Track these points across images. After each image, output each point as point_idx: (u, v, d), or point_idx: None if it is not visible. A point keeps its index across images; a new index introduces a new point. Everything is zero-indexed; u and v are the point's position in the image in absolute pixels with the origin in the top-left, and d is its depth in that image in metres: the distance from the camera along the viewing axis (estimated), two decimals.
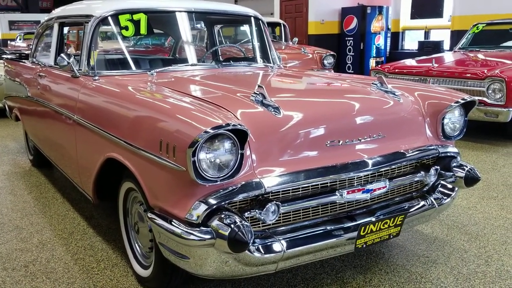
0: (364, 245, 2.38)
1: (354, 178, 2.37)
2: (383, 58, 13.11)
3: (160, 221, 2.14)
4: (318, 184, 2.27)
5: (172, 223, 2.07)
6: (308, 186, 2.25)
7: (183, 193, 2.07)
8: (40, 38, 4.76)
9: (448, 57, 7.17)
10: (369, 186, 2.41)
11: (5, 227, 3.53)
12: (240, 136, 2.02)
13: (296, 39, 10.12)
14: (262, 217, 2.11)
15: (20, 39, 19.85)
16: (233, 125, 1.96)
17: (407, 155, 2.54)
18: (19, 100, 4.90)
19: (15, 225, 3.56)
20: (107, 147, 2.68)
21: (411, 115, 2.72)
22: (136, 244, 2.79)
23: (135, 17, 3.35)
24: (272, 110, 2.27)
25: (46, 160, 4.85)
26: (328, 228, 2.32)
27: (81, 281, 2.76)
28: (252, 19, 3.97)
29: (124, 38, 3.52)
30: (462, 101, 2.75)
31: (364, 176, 2.39)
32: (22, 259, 3.03)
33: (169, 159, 2.07)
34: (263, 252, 2.10)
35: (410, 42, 13.66)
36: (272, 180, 2.13)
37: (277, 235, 2.20)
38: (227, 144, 2.03)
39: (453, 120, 2.80)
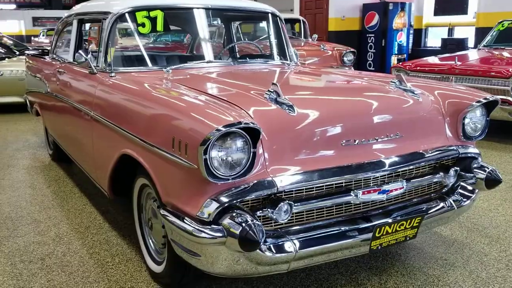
0: (379, 247, 2.34)
1: (370, 179, 2.33)
2: (405, 55, 12.92)
3: (172, 218, 2.14)
4: (332, 184, 2.23)
5: (184, 220, 2.07)
6: (322, 186, 2.21)
7: (195, 190, 2.06)
8: (60, 34, 4.81)
9: (472, 55, 7.01)
10: (385, 187, 2.36)
11: (24, 220, 3.59)
12: (252, 135, 2.00)
13: (315, 35, 10.03)
14: (274, 216, 2.09)
15: (43, 35, 20.21)
16: (245, 123, 1.94)
17: (426, 156, 2.48)
18: (39, 96, 4.96)
19: (33, 218, 3.61)
20: (122, 143, 2.69)
21: (431, 115, 2.66)
22: (150, 240, 2.79)
23: (152, 14, 3.36)
24: (286, 108, 2.24)
25: (65, 155, 4.92)
26: (342, 228, 2.28)
27: (95, 275, 2.78)
28: (270, 15, 3.93)
29: (142, 35, 3.52)
30: (484, 101, 2.67)
31: (380, 176, 2.35)
32: (39, 252, 3.07)
33: (181, 157, 2.06)
34: (274, 252, 2.08)
35: (433, 39, 13.43)
36: (285, 179, 2.11)
37: (289, 235, 2.17)
38: (239, 143, 2.00)
39: (474, 120, 2.72)
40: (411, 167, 2.45)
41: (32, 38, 21.09)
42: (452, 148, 2.62)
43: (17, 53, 8.99)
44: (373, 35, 12.75)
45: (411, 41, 13.19)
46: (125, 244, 3.16)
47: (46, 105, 4.68)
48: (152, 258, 2.74)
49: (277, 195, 2.11)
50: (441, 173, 2.60)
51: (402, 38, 12.75)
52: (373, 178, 2.34)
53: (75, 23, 4.13)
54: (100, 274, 2.79)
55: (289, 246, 2.12)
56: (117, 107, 2.81)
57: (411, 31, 13.07)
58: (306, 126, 2.23)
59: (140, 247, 2.89)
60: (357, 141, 2.32)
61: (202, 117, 2.02)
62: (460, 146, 2.67)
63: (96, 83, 3.19)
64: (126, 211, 3.71)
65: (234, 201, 2.01)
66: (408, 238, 2.44)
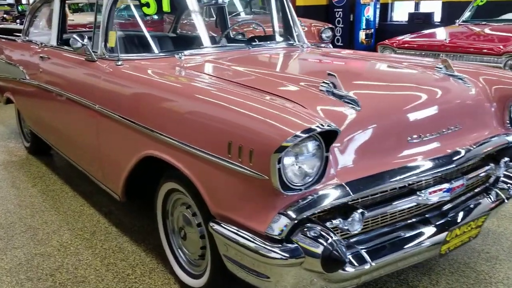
0: (448, 251, 2.17)
1: (437, 177, 2.14)
2: (372, 30, 12.84)
3: (229, 234, 1.86)
4: (403, 186, 2.02)
5: (248, 237, 1.80)
6: (393, 188, 2.00)
7: (261, 203, 1.79)
8: (34, 13, 4.30)
9: (457, 32, 6.93)
10: (449, 185, 2.17)
11: (17, 227, 3.19)
12: (326, 137, 1.74)
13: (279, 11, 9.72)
14: (346, 227, 1.86)
15: None
16: (328, 125, 1.68)
17: (486, 148, 2.31)
18: (12, 83, 4.45)
19: (27, 225, 3.21)
20: (145, 143, 2.36)
21: (480, 103, 2.48)
22: (180, 250, 2.51)
23: None
24: (350, 102, 1.99)
25: (45, 148, 4.49)
26: (410, 234, 2.08)
27: None
28: None
29: (144, 15, 3.13)
30: None
31: (447, 173, 2.16)
32: (46, 266, 2.71)
33: (242, 164, 1.78)
34: (352, 267, 1.85)
35: (399, 14, 13.39)
36: (357, 184, 1.87)
37: (358, 245, 1.96)
38: (312, 147, 1.75)
39: None
40: (473, 160, 2.27)
41: None
42: (505, 137, 2.46)
43: None
44: (341, 9, 12.56)
45: (377, 15, 13.10)
46: (142, 251, 2.85)
47: (24, 95, 4.19)
48: (184, 270, 2.46)
49: (349, 203, 1.87)
50: (492, 165, 2.45)
51: (369, 12, 12.63)
52: (439, 176, 2.15)
53: (57, 1, 3.67)
54: None
55: (362, 258, 1.90)
56: (136, 102, 2.45)
57: (378, 6, 12.97)
58: (374, 123, 1.99)
59: (160, 255, 2.63)
60: (422, 137, 2.12)
61: (273, 120, 1.73)
62: (507, 135, 2.52)
63: (99, 72, 2.81)
64: (131, 211, 3.38)
65: (307, 215, 1.76)
66: (471, 239, 2.29)
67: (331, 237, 1.71)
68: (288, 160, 1.70)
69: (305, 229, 1.76)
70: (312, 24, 8.74)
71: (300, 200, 1.77)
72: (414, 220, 2.17)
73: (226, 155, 1.84)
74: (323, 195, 1.79)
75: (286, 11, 3.70)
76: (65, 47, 3.54)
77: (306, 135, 1.64)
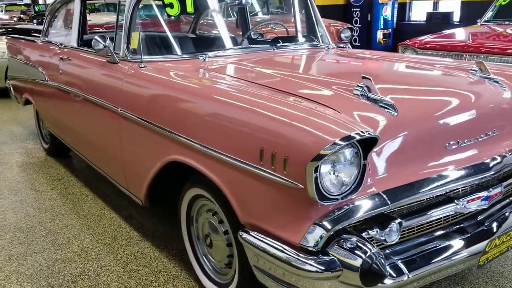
0: (486, 262, 2.06)
1: (475, 184, 2.04)
2: (390, 30, 12.67)
3: (261, 244, 1.79)
4: (442, 194, 1.93)
5: (281, 248, 1.72)
6: (432, 197, 1.90)
7: (295, 213, 1.71)
8: (54, 14, 4.27)
9: (480, 32, 6.78)
10: (487, 193, 2.07)
11: (37, 231, 3.15)
12: (364, 144, 1.66)
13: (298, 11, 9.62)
14: (383, 237, 1.77)
15: (1, 11, 18.89)
16: (368, 133, 1.59)
17: None
18: (32, 84, 4.43)
19: (47, 229, 3.17)
20: (170, 148, 2.29)
21: None
22: (205, 258, 2.44)
23: None
24: (386, 107, 1.89)
25: (63, 149, 4.46)
26: (447, 244, 1.98)
27: None
28: None
29: (168, 16, 3.07)
30: None
31: (485, 181, 2.06)
32: (67, 272, 2.66)
33: (275, 172, 1.70)
34: (390, 279, 1.75)
35: (417, 14, 13.20)
36: (395, 193, 1.78)
37: (394, 256, 1.87)
38: (350, 155, 1.66)
39: None
40: (510, 167, 2.16)
41: None
42: None
43: None
44: (358, 9, 12.43)
45: (395, 15, 12.93)
46: (164, 257, 2.79)
47: (43, 96, 4.16)
48: (210, 278, 2.39)
49: (387, 212, 1.78)
50: None
51: (387, 12, 12.47)
52: (477, 184, 2.05)
53: (77, 2, 3.63)
54: None
55: (400, 270, 1.80)
56: (162, 106, 2.38)
57: (396, 5, 12.79)
58: (410, 129, 1.90)
59: (183, 261, 2.60)
60: (460, 143, 2.02)
61: (310, 126, 1.64)
62: None
63: (122, 75, 2.75)
64: (152, 216, 3.33)
65: (344, 225, 1.67)
66: (510, 249, 2.18)
67: (370, 250, 1.63)
68: (325, 169, 1.62)
69: (342, 241, 1.68)
70: (331, 24, 8.64)
71: (336, 210, 1.69)
72: (449, 229, 2.08)
73: (258, 162, 1.76)
74: (360, 205, 1.71)
75: (310, 10, 3.62)
76: (86, 48, 3.50)
77: (345, 143, 1.55)
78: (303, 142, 1.61)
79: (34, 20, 14.09)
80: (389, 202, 1.74)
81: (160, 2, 2.94)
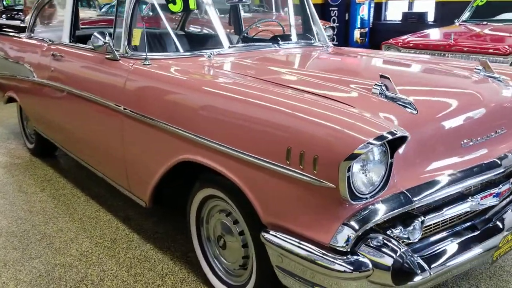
0: (499, 257, 2.10)
1: (487, 181, 2.07)
2: (366, 29, 12.84)
3: (286, 245, 1.77)
4: (458, 192, 1.95)
5: (309, 248, 1.70)
6: (449, 195, 1.92)
7: (324, 213, 1.69)
8: (41, 9, 4.13)
9: (460, 32, 6.93)
10: (497, 189, 2.11)
11: (31, 235, 3.04)
12: (391, 143, 1.66)
13: (287, 9, 9.63)
14: (406, 235, 1.78)
15: None
16: (400, 132, 1.59)
17: None
18: (16, 81, 4.27)
19: (42, 233, 3.06)
20: (182, 147, 2.25)
21: None
22: (216, 260, 2.40)
23: None
24: (406, 105, 1.90)
25: (49, 149, 4.34)
26: (462, 240, 2.01)
27: None
28: None
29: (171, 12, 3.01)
30: None
31: (496, 178, 2.09)
32: (69, 277, 2.58)
33: (304, 172, 1.68)
34: (415, 276, 1.76)
35: (393, 13, 13.41)
36: (418, 191, 1.79)
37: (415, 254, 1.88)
38: (378, 153, 1.66)
39: None
40: None
41: None
42: None
43: None
44: (336, 8, 12.54)
45: (371, 14, 13.10)
46: (169, 259, 2.74)
47: (31, 94, 4.02)
48: (222, 280, 2.36)
49: (410, 210, 1.79)
50: None
51: (364, 11, 12.63)
52: (489, 181, 2.08)
53: None
54: None
55: (422, 268, 1.81)
56: (172, 104, 2.32)
57: (372, 5, 12.97)
58: (430, 127, 1.92)
59: (189, 263, 2.58)
60: (473, 141, 2.05)
61: (342, 126, 1.62)
62: None
63: (124, 72, 2.67)
64: (150, 216, 3.26)
65: (372, 225, 1.67)
66: None
67: (400, 248, 1.63)
68: (356, 168, 1.61)
69: (369, 240, 1.67)
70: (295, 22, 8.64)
71: (363, 210, 1.68)
72: (462, 226, 2.10)
73: (284, 161, 1.74)
74: (386, 203, 1.71)
75: (306, 8, 3.61)
76: (79, 44, 3.40)
77: (379, 142, 1.55)
78: (336, 142, 1.59)
79: (3, 15, 13.64)
80: (413, 200, 1.75)
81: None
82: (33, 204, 3.50)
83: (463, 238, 2.02)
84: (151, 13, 4.16)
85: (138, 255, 2.79)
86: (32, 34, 4.21)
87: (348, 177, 1.57)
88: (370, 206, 1.69)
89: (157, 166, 2.43)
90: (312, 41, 3.50)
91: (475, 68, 2.51)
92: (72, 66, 3.30)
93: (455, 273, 2.03)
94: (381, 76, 1.98)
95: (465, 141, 2.02)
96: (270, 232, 1.85)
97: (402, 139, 1.64)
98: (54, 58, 3.49)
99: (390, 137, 1.57)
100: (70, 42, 3.49)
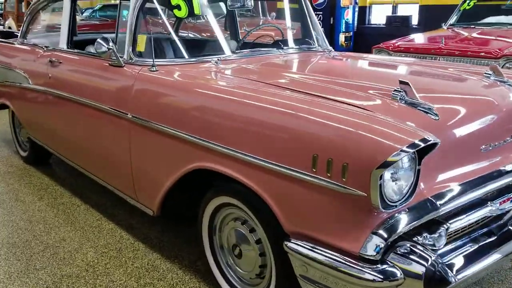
0: None
1: (505, 187, 2.08)
2: (351, 33, 12.94)
3: (313, 254, 1.74)
4: (480, 197, 1.95)
5: (337, 258, 1.68)
6: (471, 201, 1.93)
7: (353, 221, 1.67)
8: (35, 14, 4.05)
9: (449, 35, 7.02)
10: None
11: (33, 245, 2.95)
12: (420, 149, 1.65)
13: (274, 14, 9.64)
14: (431, 242, 1.77)
15: None
16: (433, 138, 1.59)
17: None
18: (10, 88, 4.17)
19: (44, 243, 2.98)
20: (195, 155, 2.21)
21: None
22: (229, 268, 2.36)
23: None
24: (427, 111, 1.90)
25: (44, 157, 4.25)
26: (481, 245, 2.02)
27: None
28: None
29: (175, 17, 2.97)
30: None
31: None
32: None
33: (332, 180, 1.66)
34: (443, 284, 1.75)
35: (377, 17, 13.53)
36: (441, 197, 1.79)
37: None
38: (408, 160, 1.65)
39: None
40: None
41: None
42: None
43: None
44: (321, 12, 12.59)
45: (356, 18, 13.21)
46: (178, 269, 2.69)
47: (27, 101, 3.92)
48: None
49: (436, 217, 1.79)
50: None
51: (349, 15, 12.73)
52: (506, 186, 2.09)
53: (67, 2, 3.45)
54: None
55: (448, 273, 1.80)
56: (185, 111, 2.28)
57: (356, 9, 13.08)
58: (451, 133, 1.92)
59: (200, 272, 2.54)
60: (492, 146, 2.06)
61: (373, 133, 1.60)
62: None
63: (130, 79, 2.62)
64: (153, 223, 3.20)
65: (401, 232, 1.66)
66: None
67: (430, 256, 1.62)
68: (387, 176, 1.60)
69: (397, 248, 1.66)
70: (294, 27, 8.66)
71: (390, 218, 1.67)
72: (479, 232, 2.11)
73: (310, 169, 1.72)
74: (414, 211, 1.71)
75: (305, 12, 3.61)
76: (78, 50, 3.34)
77: (412, 150, 1.54)
78: (367, 149, 1.57)
79: None
80: (439, 207, 1.75)
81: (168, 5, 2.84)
82: (32, 213, 3.41)
83: (481, 244, 2.03)
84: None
85: (145, 264, 2.74)
86: (25, 40, 4.12)
87: (380, 185, 1.56)
88: (397, 214, 1.68)
89: (167, 174, 2.38)
90: (313, 46, 3.49)
91: (484, 73, 2.53)
92: (71, 73, 3.24)
93: (474, 280, 2.04)
94: (401, 82, 1.97)
95: (483, 146, 2.03)
96: (294, 241, 1.82)
97: (432, 146, 1.63)
98: (51, 65, 3.41)
99: (422, 144, 1.56)
100: (67, 48, 3.42)
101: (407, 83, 1.96)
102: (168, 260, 2.78)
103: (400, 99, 1.95)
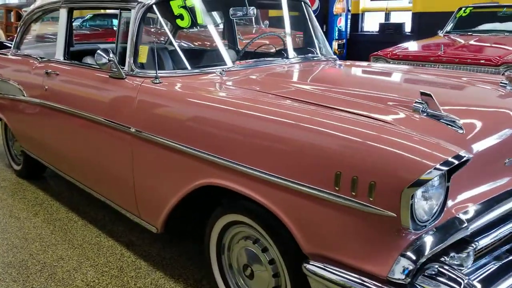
0: None
1: None
2: (344, 40, 12.93)
3: (334, 277, 1.64)
4: (505, 212, 1.86)
5: (365, 282, 1.57)
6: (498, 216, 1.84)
7: (379, 243, 1.57)
8: (29, 25, 3.92)
9: (446, 43, 7.00)
10: None
11: (30, 265, 2.81)
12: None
13: (267, 22, 9.58)
14: (459, 262, 1.68)
15: None
16: (467, 154, 1.49)
17: None
18: (3, 100, 4.02)
19: (41, 262, 2.84)
20: (203, 171, 2.10)
21: None
22: None
23: (188, 2, 2.74)
24: (451, 124, 1.81)
25: (38, 171, 4.12)
26: (505, 262, 1.93)
27: None
28: (302, 4, 3.46)
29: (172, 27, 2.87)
30: None
31: None
32: None
33: (357, 199, 1.56)
34: None
35: (370, 24, 13.54)
36: (469, 215, 1.70)
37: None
38: (438, 177, 1.55)
39: None
40: None
41: None
42: None
43: None
44: None
45: (348, 26, 13.21)
46: None
47: (21, 114, 3.78)
48: None
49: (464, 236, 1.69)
50: None
51: (341, 23, 12.72)
52: None
53: (63, 12, 3.33)
54: None
55: None
56: (195, 127, 2.15)
57: (349, 16, 13.08)
58: (476, 146, 1.83)
59: None
60: None
61: (403, 150, 1.50)
62: None
63: (132, 92, 2.51)
64: (154, 240, 3.07)
65: (431, 254, 1.56)
66: None
67: (463, 280, 1.53)
68: (418, 194, 1.50)
69: (427, 270, 1.56)
70: (296, 35, 8.62)
71: (418, 239, 1.57)
72: (501, 249, 2.02)
73: (332, 187, 1.62)
74: (442, 230, 1.61)
75: (308, 21, 3.52)
76: (76, 62, 3.22)
77: (446, 168, 1.45)
78: (397, 167, 1.47)
79: None
80: (468, 225, 1.66)
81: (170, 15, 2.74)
82: (28, 230, 3.26)
83: (504, 261, 1.94)
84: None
85: (148, 284, 2.61)
86: (19, 51, 3.99)
87: (411, 205, 1.46)
88: (424, 235, 1.59)
89: (173, 191, 2.27)
90: (317, 55, 3.40)
91: (500, 82, 2.46)
92: (69, 85, 3.11)
93: None
94: (422, 94, 1.88)
95: (507, 160, 1.95)
96: (314, 263, 1.72)
97: (465, 162, 1.54)
98: (48, 76, 3.29)
99: (456, 162, 1.47)
100: (64, 59, 3.29)
101: (429, 95, 1.87)
102: (172, 279, 2.65)
103: (422, 111, 1.86)
